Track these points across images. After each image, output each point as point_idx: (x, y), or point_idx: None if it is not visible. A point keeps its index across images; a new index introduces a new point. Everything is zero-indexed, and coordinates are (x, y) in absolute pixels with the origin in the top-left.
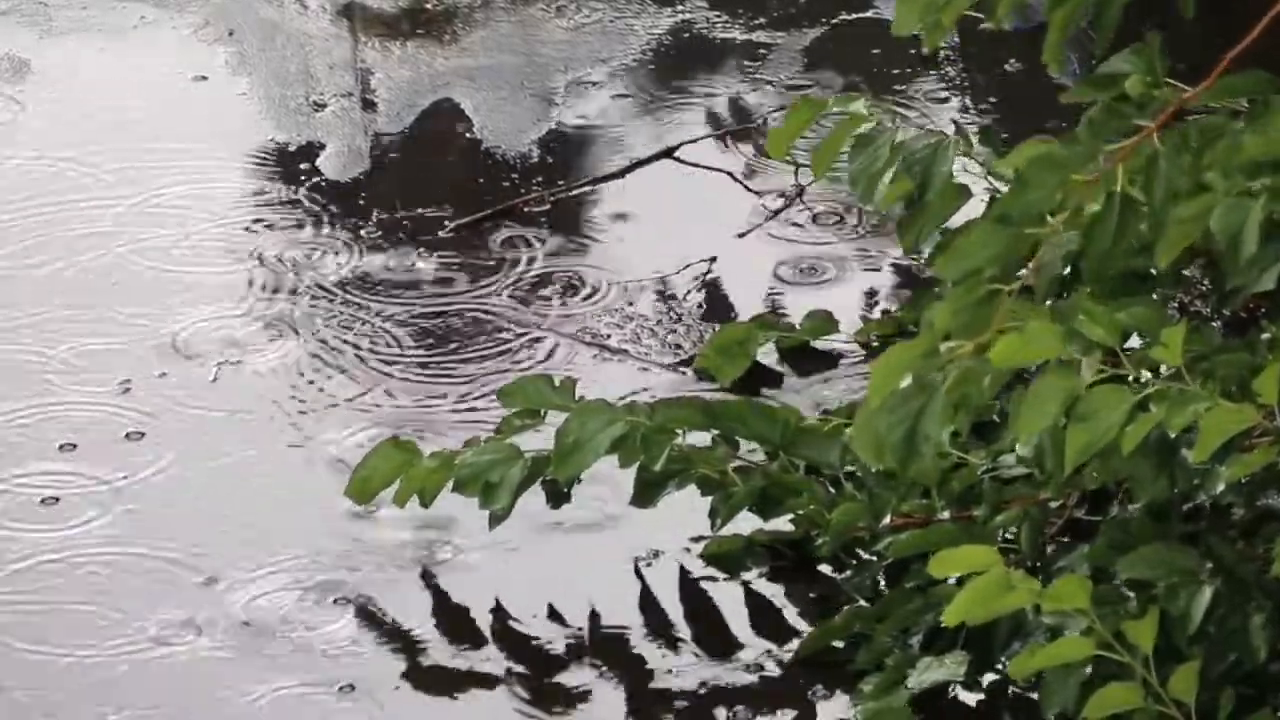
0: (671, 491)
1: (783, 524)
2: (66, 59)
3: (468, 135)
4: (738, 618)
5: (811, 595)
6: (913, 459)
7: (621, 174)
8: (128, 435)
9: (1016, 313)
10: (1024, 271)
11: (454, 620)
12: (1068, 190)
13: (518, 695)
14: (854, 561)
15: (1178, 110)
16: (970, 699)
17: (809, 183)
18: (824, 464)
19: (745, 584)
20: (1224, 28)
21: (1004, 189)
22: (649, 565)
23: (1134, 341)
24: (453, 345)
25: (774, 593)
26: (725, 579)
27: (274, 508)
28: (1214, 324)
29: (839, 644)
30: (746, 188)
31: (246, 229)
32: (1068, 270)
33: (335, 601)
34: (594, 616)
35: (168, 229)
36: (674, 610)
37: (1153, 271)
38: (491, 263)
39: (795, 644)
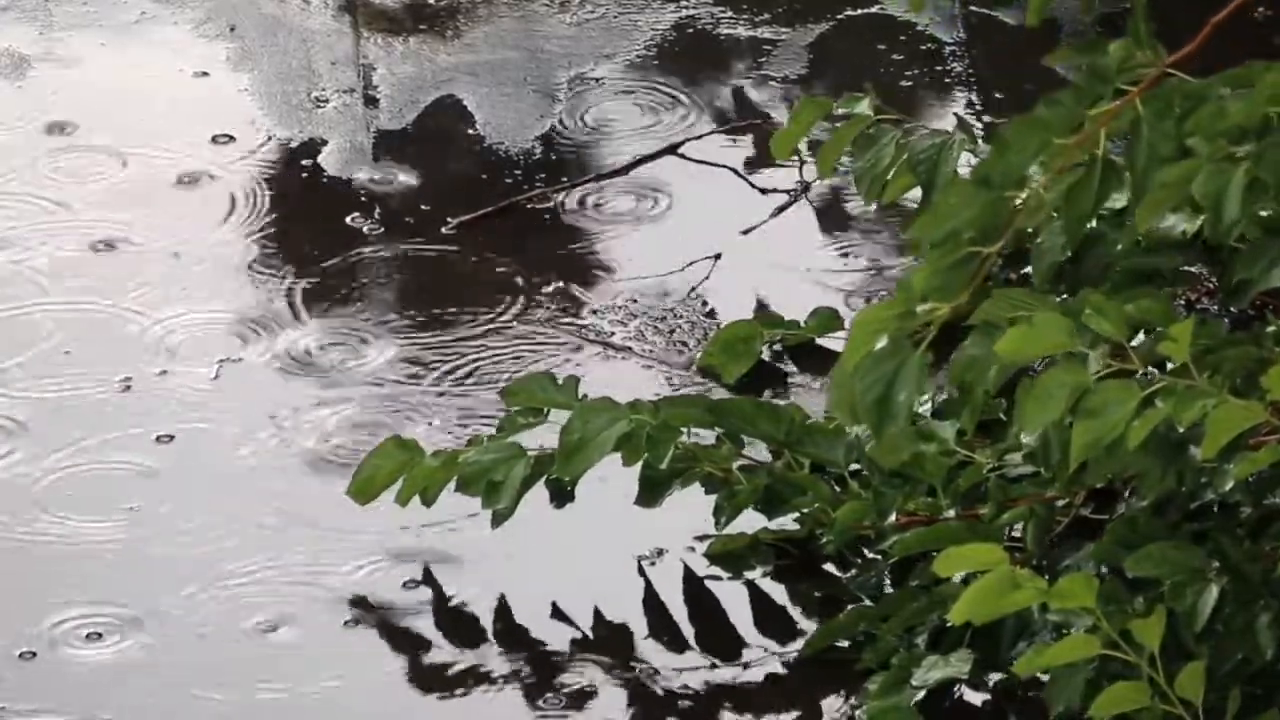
0: (676, 490)
1: (787, 522)
2: (67, 55)
3: (470, 131)
4: (742, 616)
5: (816, 594)
6: (886, 421)
7: (625, 170)
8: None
9: (1021, 303)
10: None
11: (457, 619)
12: (1050, 152)
13: (521, 694)
14: (859, 560)
15: (1161, 75)
16: (976, 698)
17: (813, 179)
18: (829, 462)
19: (750, 583)
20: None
21: None
22: (653, 564)
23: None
24: (455, 344)
25: (779, 592)
26: (730, 578)
27: (274, 506)
28: (1222, 320)
29: (844, 643)
30: (751, 184)
31: (247, 225)
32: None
33: (337, 601)
34: (598, 615)
35: (168, 225)
36: (678, 609)
37: (1159, 269)
38: (494, 260)
39: (800, 643)
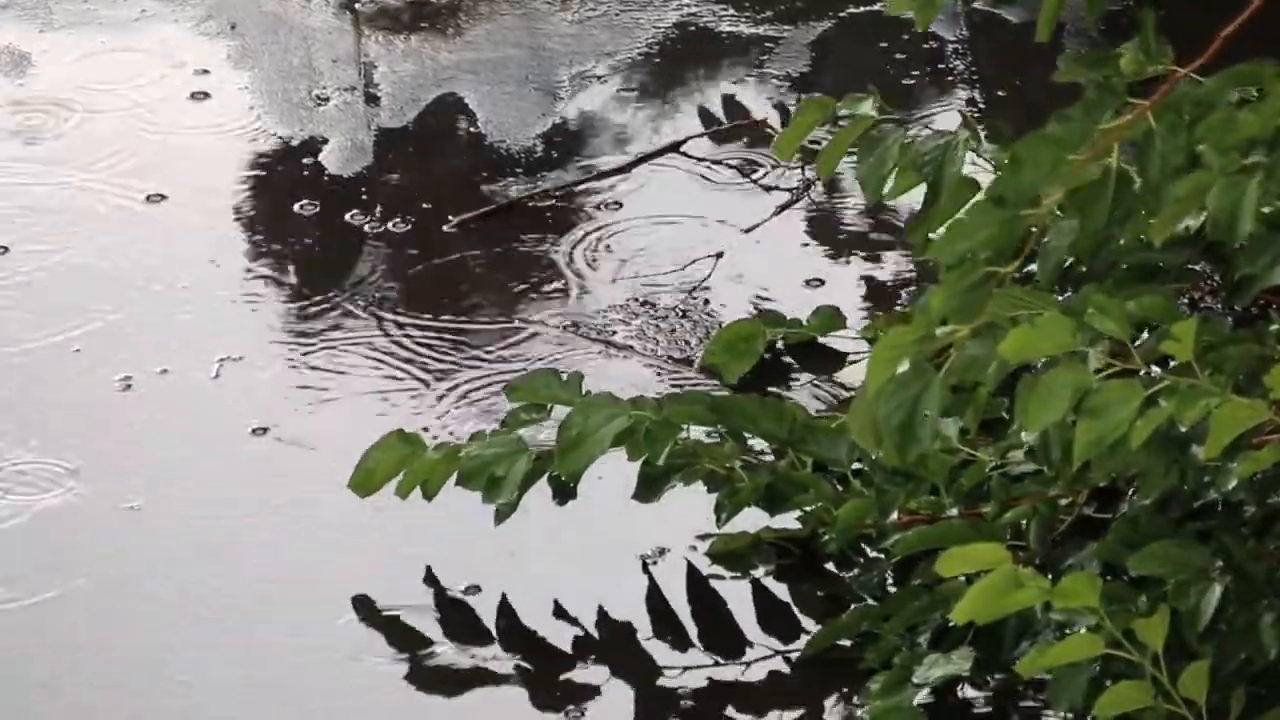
0: (675, 485)
1: (790, 521)
2: (67, 52)
3: (471, 130)
4: (745, 616)
5: (819, 593)
6: (911, 444)
7: (627, 168)
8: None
9: (1023, 302)
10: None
11: (459, 618)
12: (1063, 169)
13: (524, 693)
14: (861, 559)
15: (1173, 87)
16: (979, 697)
17: (815, 178)
18: (831, 460)
19: (752, 582)
20: (1224, 13)
21: None
22: (655, 563)
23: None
24: (456, 341)
25: (781, 591)
26: (732, 577)
27: (275, 503)
28: (1225, 318)
29: (846, 642)
30: (753, 182)
31: (248, 225)
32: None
33: (337, 599)
34: (600, 614)
35: (169, 225)
36: (680, 608)
37: (1162, 265)
38: (495, 258)
39: (802, 642)
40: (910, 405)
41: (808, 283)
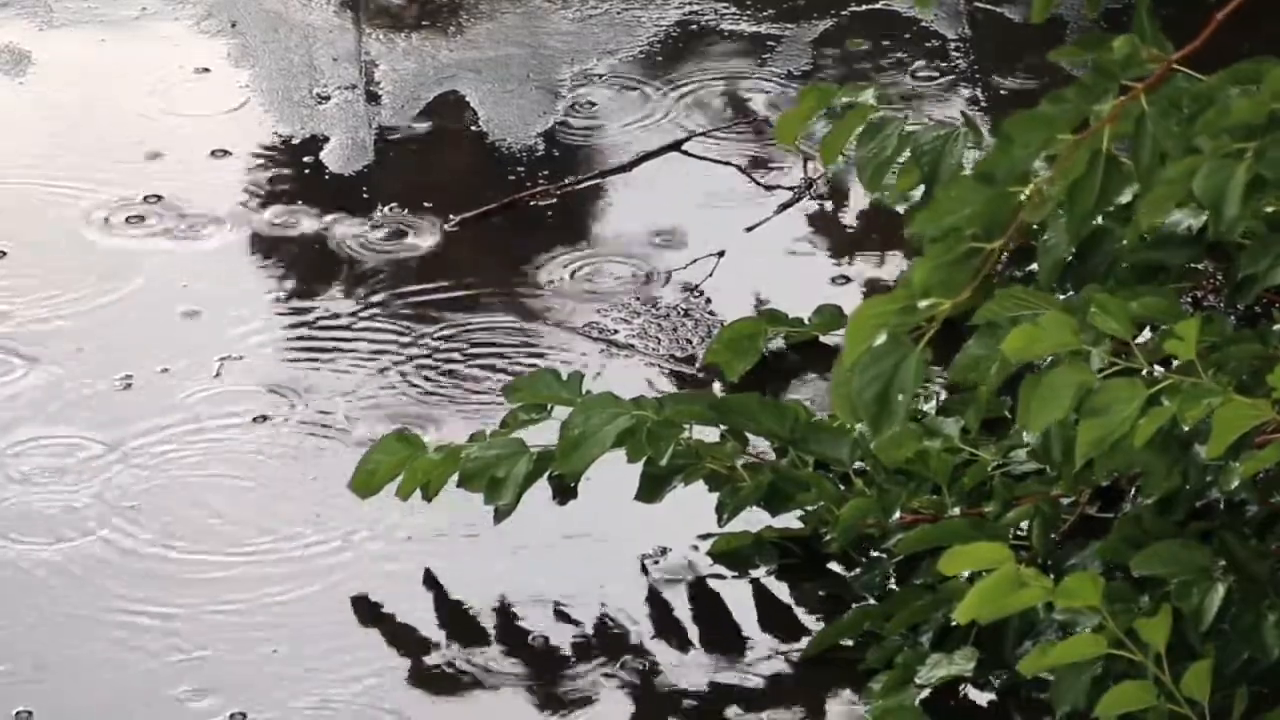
0: (677, 486)
1: (791, 521)
2: (67, 51)
3: (473, 128)
4: (746, 615)
5: (820, 593)
6: (885, 418)
7: (629, 167)
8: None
9: (1025, 301)
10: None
11: (461, 618)
12: (1054, 149)
13: (525, 693)
14: (863, 559)
15: (1167, 71)
16: (981, 697)
17: (817, 176)
18: (833, 460)
19: (754, 581)
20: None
21: None
22: (656, 562)
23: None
24: (457, 341)
25: (783, 590)
26: (734, 576)
27: (273, 504)
28: (1228, 317)
29: (848, 642)
30: (755, 181)
31: (248, 223)
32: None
33: (337, 599)
34: (601, 613)
35: (169, 224)
36: (682, 608)
37: (1164, 265)
38: (497, 257)
39: (804, 642)
40: (886, 378)
41: (809, 281)
